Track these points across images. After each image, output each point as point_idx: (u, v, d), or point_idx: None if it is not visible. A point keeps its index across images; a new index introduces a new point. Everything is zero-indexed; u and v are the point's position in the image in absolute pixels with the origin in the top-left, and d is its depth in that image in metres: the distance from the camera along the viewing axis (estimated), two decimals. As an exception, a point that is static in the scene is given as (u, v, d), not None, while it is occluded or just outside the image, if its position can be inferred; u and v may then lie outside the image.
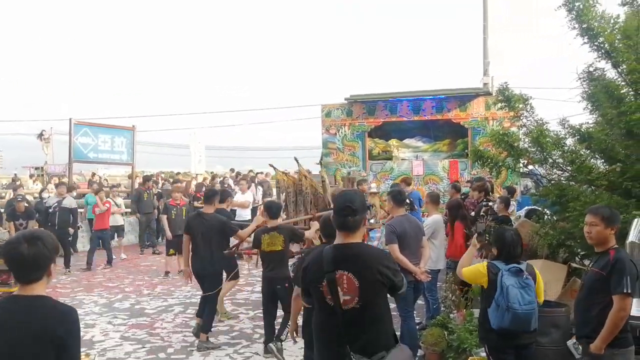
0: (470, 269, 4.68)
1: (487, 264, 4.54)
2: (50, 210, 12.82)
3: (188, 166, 23.03)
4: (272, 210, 7.17)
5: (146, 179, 16.93)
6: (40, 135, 32.75)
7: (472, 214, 9.05)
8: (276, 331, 6.88)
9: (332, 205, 6.93)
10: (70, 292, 10.57)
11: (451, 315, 7.05)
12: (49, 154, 32.23)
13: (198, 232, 7.33)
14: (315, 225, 7.10)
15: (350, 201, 3.30)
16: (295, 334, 5.47)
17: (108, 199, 14.11)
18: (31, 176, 27.56)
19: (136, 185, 18.33)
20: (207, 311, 7.37)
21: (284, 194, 9.91)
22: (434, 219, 7.84)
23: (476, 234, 5.68)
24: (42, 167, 28.38)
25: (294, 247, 7.65)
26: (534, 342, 4.55)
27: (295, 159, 9.87)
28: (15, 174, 25.09)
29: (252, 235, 7.29)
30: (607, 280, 3.96)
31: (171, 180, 19.91)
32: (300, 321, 5.55)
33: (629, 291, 3.87)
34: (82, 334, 7.55)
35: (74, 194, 14.74)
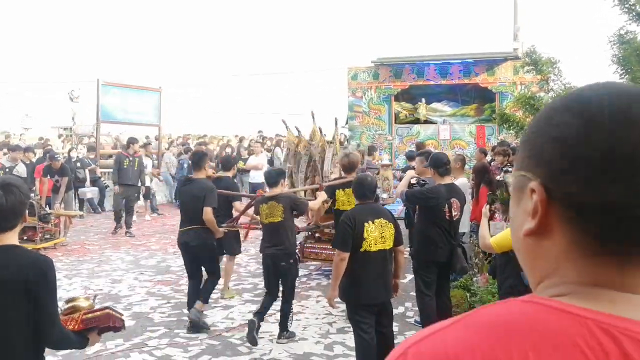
0: (502, 237, 4.49)
1: None
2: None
3: (220, 129, 23.05)
4: (270, 177, 6.53)
5: (130, 142, 13.24)
6: (70, 96, 33.03)
7: (498, 178, 9.00)
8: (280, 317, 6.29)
9: (341, 172, 6.64)
10: (98, 249, 10.83)
11: (474, 277, 7.07)
12: (77, 114, 32.55)
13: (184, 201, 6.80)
14: (323, 195, 6.85)
15: (446, 157, 6.16)
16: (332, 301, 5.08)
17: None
18: (60, 136, 27.95)
19: (162, 148, 18.48)
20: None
21: (293, 158, 9.21)
22: (459, 182, 7.79)
23: (487, 205, 5.58)
24: (70, 128, 28.76)
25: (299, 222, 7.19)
26: None
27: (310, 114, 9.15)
28: (42, 137, 25.43)
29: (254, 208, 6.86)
30: None
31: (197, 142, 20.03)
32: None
33: None
34: (109, 288, 7.99)
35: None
